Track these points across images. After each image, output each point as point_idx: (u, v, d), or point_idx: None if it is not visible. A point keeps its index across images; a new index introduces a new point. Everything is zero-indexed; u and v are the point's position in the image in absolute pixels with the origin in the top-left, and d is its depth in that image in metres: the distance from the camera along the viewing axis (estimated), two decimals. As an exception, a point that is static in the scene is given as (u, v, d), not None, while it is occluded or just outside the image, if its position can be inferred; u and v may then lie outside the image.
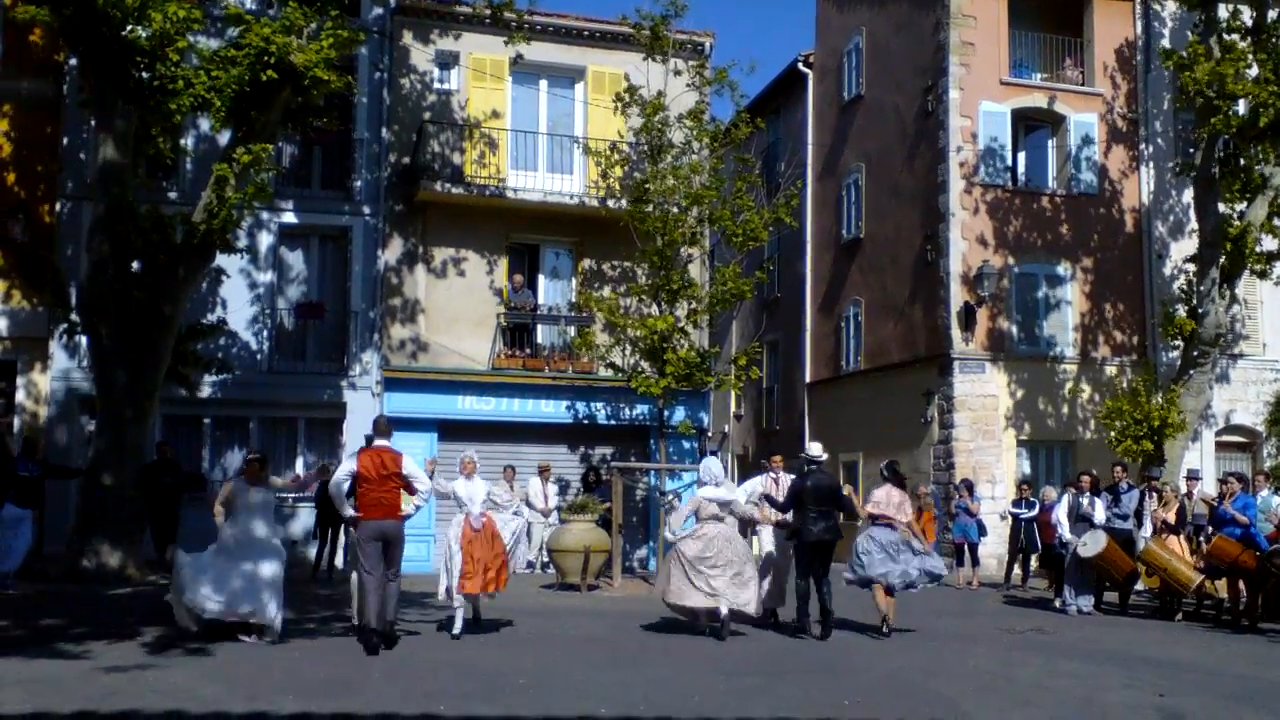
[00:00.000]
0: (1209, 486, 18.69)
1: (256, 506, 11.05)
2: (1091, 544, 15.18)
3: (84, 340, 17.79)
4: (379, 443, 10.74)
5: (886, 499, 12.64)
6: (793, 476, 13.00)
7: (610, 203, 20.64)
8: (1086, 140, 23.63)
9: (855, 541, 12.70)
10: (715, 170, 19.94)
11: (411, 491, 10.71)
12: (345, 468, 10.91)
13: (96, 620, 11.68)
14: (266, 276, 20.69)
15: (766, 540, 13.74)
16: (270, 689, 8.40)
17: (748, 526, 13.31)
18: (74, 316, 17.47)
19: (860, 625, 12.86)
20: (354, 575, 11.19)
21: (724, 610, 11.78)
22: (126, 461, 16.33)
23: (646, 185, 19.26)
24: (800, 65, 29.47)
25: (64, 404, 19.51)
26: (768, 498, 13.17)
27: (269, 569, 10.75)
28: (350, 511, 10.73)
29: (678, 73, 20.91)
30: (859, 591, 12.89)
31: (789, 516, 12.55)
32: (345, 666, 9.61)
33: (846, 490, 13.11)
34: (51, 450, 18.84)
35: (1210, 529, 14.84)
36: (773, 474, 13.89)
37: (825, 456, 12.80)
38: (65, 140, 19.87)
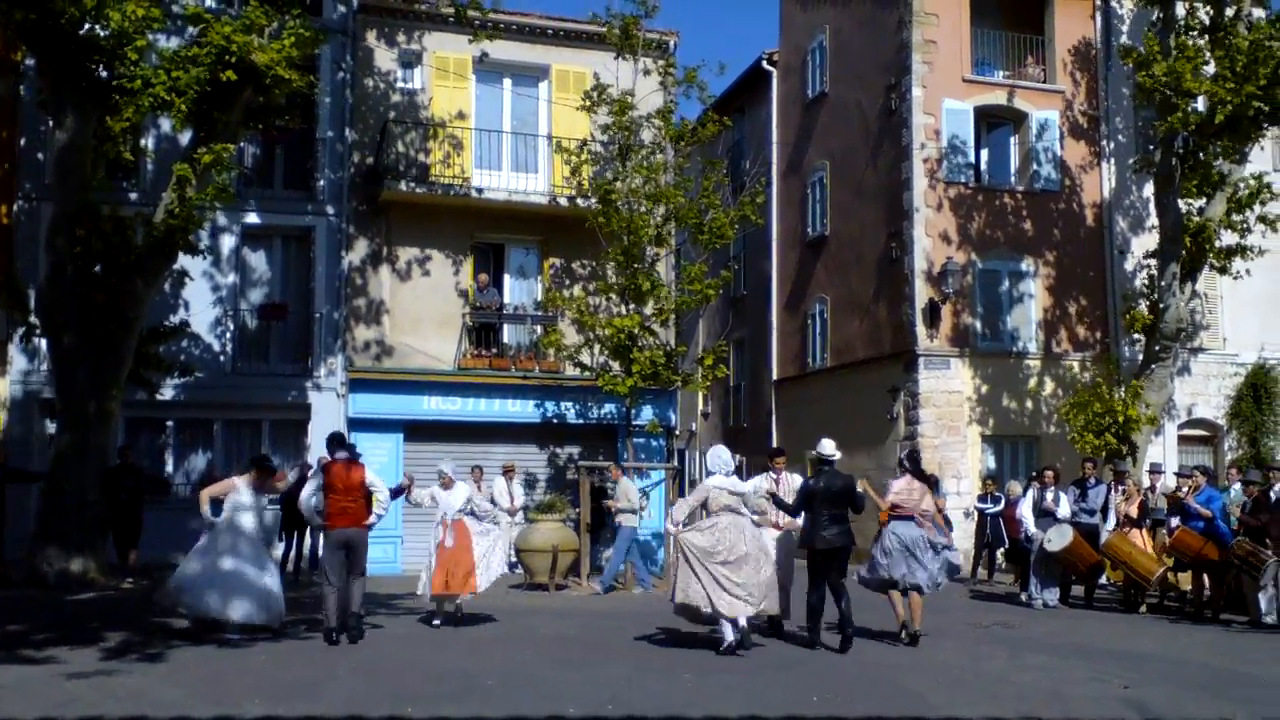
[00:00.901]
0: (1170, 480, 18.86)
1: (258, 510, 11.54)
2: (1058, 538, 15.29)
3: (43, 343, 17.55)
4: (341, 455, 11.19)
5: (908, 490, 11.83)
6: (797, 477, 12.39)
7: (578, 201, 20.57)
8: (1048, 136, 23.80)
9: (876, 540, 11.98)
10: (681, 169, 19.93)
11: (369, 500, 11.16)
12: (313, 483, 11.44)
13: (59, 626, 11.55)
14: (229, 278, 20.50)
15: (768, 545, 12.15)
16: (236, 692, 8.34)
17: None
18: (33, 319, 17.25)
19: (868, 631, 12.13)
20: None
21: (742, 620, 10.59)
22: (88, 465, 16.13)
23: (611, 186, 19.20)
24: (764, 63, 29.51)
25: (23, 408, 19.25)
26: (773, 497, 11.94)
27: (273, 572, 11.47)
28: (319, 521, 11.20)
29: (647, 72, 20.88)
30: (865, 593, 12.18)
31: (799, 521, 11.67)
32: (312, 668, 9.55)
33: (861, 485, 12.03)
34: (11, 454, 18.62)
35: (1175, 521, 14.96)
36: (774, 474, 12.81)
37: (839, 455, 11.70)
38: (22, 140, 19.60)
